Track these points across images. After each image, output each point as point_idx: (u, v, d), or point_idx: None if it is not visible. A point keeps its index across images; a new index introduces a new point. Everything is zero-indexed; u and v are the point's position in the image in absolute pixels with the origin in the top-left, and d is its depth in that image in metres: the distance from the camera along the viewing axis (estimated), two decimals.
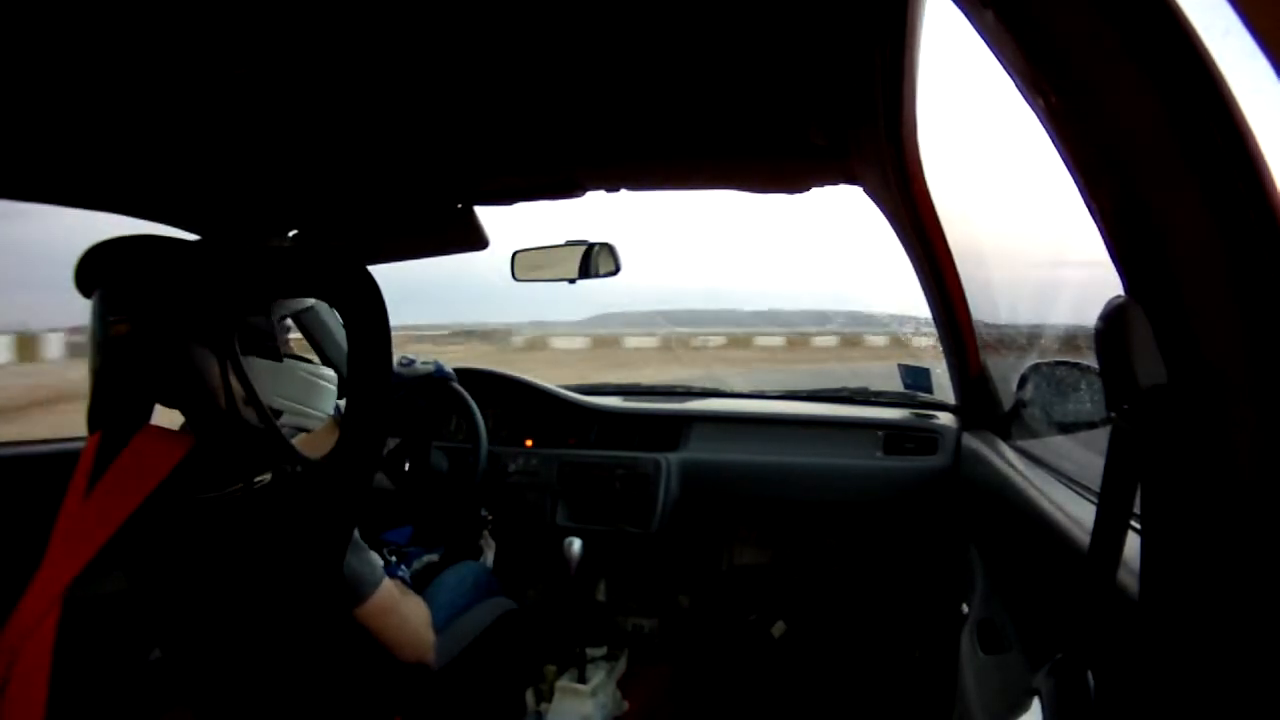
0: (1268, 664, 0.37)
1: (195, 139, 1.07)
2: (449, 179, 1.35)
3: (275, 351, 0.88)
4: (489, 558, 1.49)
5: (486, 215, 1.54)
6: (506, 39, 0.82)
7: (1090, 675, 0.47)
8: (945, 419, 1.65)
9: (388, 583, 0.90)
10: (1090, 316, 0.45)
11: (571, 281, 1.64)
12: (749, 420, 1.78)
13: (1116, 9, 0.37)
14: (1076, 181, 0.44)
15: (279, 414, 0.88)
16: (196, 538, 0.75)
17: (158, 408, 0.83)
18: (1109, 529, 0.46)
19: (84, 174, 1.16)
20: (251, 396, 0.80)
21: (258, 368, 0.85)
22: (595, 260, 1.62)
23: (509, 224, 1.60)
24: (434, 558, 1.37)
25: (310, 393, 0.92)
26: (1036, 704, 0.49)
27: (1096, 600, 0.48)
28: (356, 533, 0.87)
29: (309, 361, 0.94)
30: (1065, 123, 0.44)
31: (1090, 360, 0.98)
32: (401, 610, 0.93)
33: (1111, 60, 0.39)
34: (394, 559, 1.18)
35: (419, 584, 1.17)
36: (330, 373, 0.96)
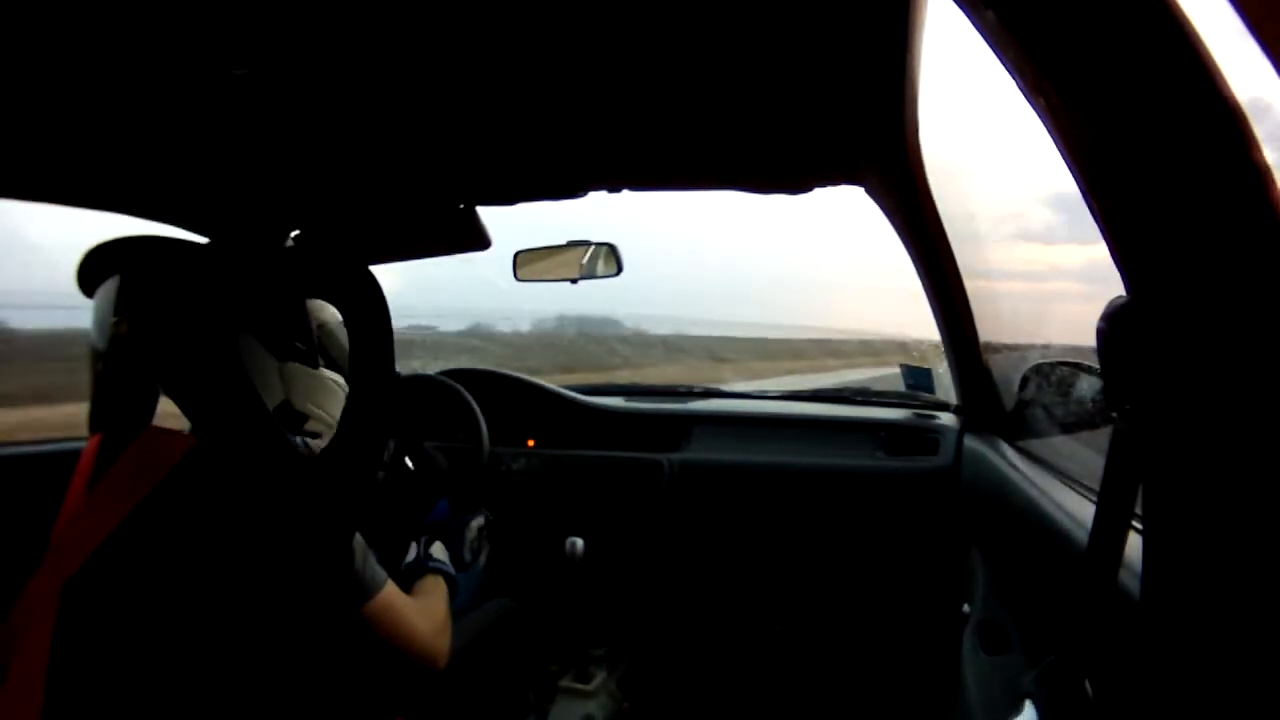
0: (1269, 664, 0.37)
1: (197, 139, 1.07)
2: (451, 179, 1.36)
3: (314, 359, 0.91)
4: (482, 559, 1.49)
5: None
6: (508, 40, 0.82)
7: (1087, 679, 0.46)
8: (947, 419, 1.65)
9: (390, 587, 0.88)
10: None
11: (574, 282, 1.65)
12: (750, 421, 1.78)
13: (1117, 9, 0.37)
14: (1077, 181, 0.44)
15: (305, 419, 0.90)
16: (195, 538, 0.75)
17: (158, 410, 0.83)
18: (1109, 530, 0.46)
19: (85, 174, 1.16)
20: (252, 396, 0.80)
21: (295, 373, 0.88)
22: (596, 261, 1.63)
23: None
24: (480, 519, 1.31)
25: (331, 400, 0.94)
26: (1029, 706, 0.49)
27: (1093, 601, 0.48)
28: (359, 536, 0.87)
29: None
30: (1066, 122, 0.44)
31: (1092, 360, 0.97)
32: (406, 618, 0.89)
33: (1112, 60, 0.39)
34: (430, 549, 1.13)
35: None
36: (342, 380, 0.97)
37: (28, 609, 0.70)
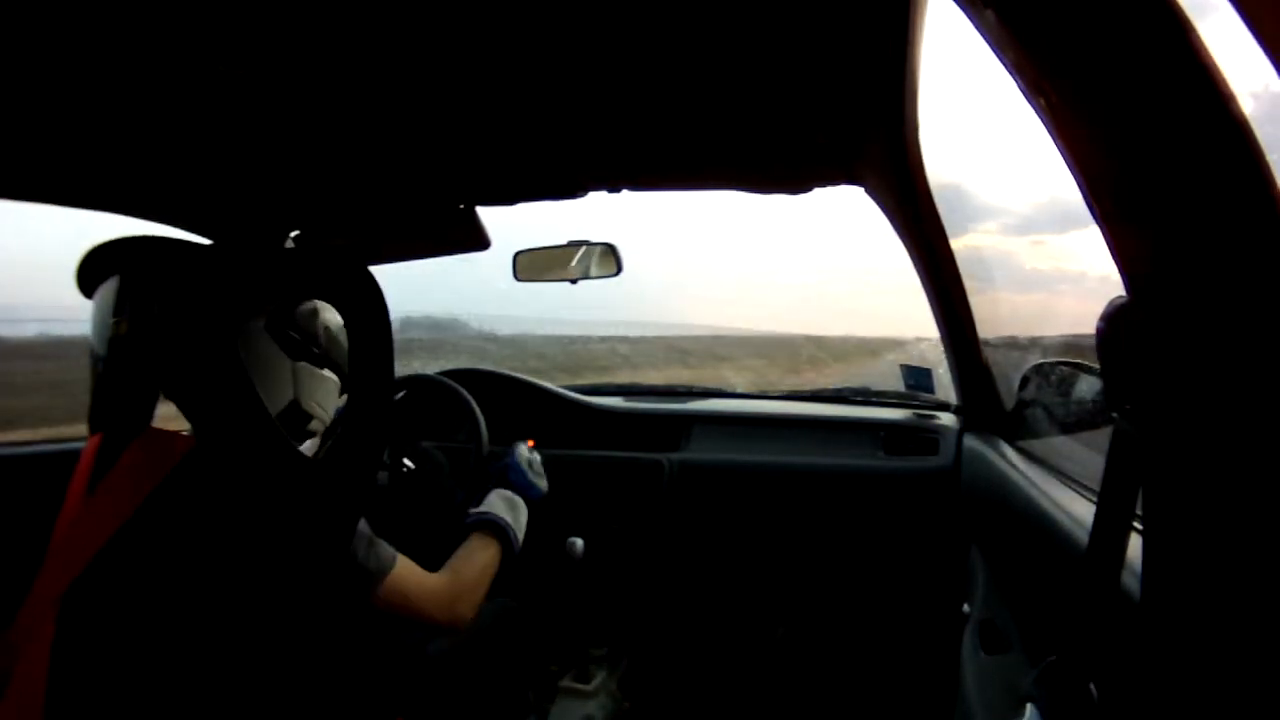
0: (1270, 665, 0.37)
1: (196, 139, 1.07)
2: (451, 179, 1.35)
3: (321, 361, 0.92)
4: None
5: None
6: (508, 40, 0.82)
7: (1092, 682, 0.46)
8: (947, 419, 1.65)
9: (398, 568, 0.90)
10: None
11: (573, 282, 1.65)
12: (750, 421, 1.78)
13: (1117, 9, 0.37)
14: (1077, 181, 0.44)
15: (310, 419, 0.92)
16: (195, 540, 0.75)
17: (159, 412, 0.83)
18: (1110, 531, 0.46)
19: (84, 174, 1.16)
20: (252, 397, 0.80)
21: (304, 373, 0.90)
22: (595, 261, 1.63)
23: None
24: (523, 447, 1.39)
25: (333, 402, 0.95)
26: (1030, 709, 0.49)
27: (1094, 602, 0.48)
28: (365, 524, 0.88)
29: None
30: (1066, 122, 0.44)
31: (1092, 360, 0.97)
32: (415, 596, 0.93)
33: (1112, 60, 0.39)
34: (485, 503, 1.20)
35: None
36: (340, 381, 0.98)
37: (30, 614, 0.69)
